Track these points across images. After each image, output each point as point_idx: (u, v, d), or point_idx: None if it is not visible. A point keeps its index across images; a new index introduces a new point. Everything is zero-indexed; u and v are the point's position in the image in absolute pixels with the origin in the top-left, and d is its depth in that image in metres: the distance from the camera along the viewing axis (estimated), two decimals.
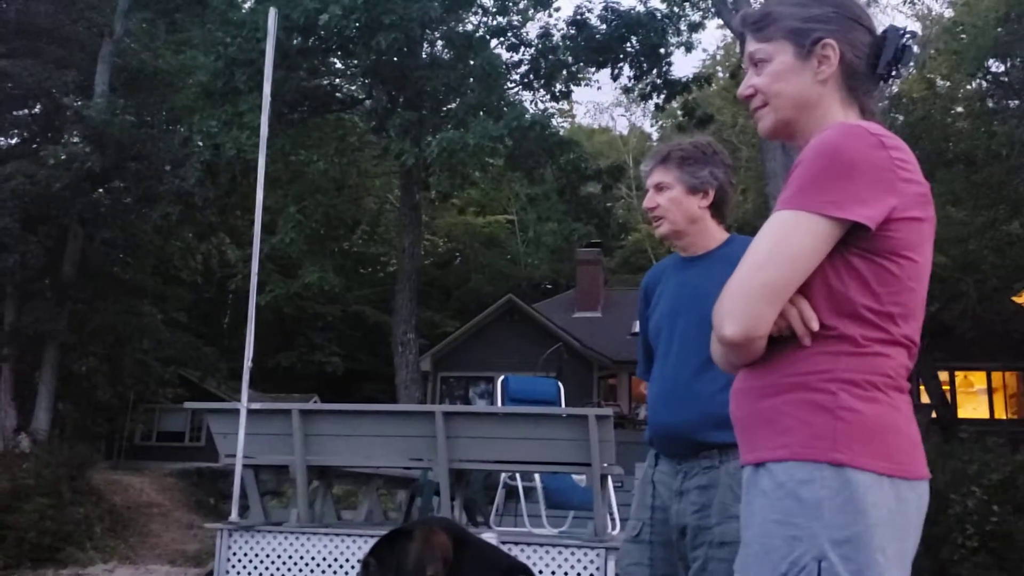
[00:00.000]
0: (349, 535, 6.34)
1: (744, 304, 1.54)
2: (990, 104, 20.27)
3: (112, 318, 21.93)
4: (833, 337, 1.55)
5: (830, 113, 1.66)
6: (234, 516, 6.38)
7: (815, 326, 1.55)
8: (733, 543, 2.42)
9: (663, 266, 2.97)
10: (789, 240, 1.52)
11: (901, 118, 19.05)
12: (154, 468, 22.11)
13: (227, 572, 6.29)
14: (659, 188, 2.76)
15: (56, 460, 18.83)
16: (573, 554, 5.72)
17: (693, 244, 2.77)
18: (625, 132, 42.59)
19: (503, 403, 7.58)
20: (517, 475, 7.27)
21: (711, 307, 2.64)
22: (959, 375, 23.31)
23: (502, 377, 7.64)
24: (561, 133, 23.43)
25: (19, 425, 20.80)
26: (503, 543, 5.18)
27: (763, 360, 1.60)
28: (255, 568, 6.27)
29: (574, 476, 7.05)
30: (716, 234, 2.78)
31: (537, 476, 7.07)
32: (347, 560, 5.93)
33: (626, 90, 23.29)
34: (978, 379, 23.57)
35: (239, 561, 6.26)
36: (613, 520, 6.36)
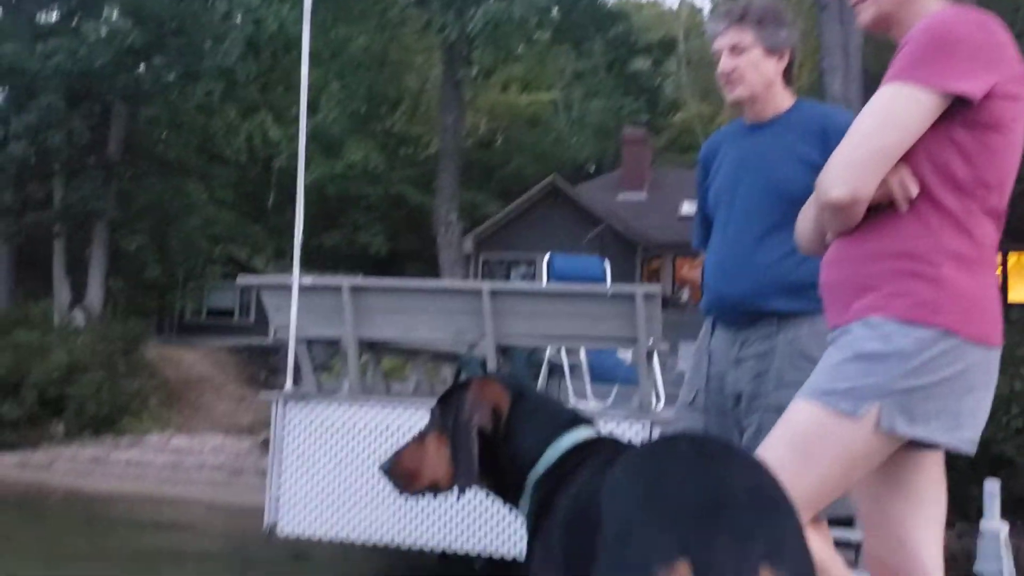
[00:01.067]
0: (398, 405, 6.50)
1: (851, 169, 1.63)
2: None
3: (158, 196, 22.19)
4: (933, 208, 1.64)
5: (928, 5, 1.75)
6: (289, 386, 6.55)
7: (914, 193, 1.64)
8: None
9: (724, 133, 2.87)
10: (896, 110, 1.63)
11: None
12: (204, 344, 22.72)
13: (282, 439, 6.51)
14: (735, 50, 2.58)
15: (110, 335, 19.48)
16: (618, 425, 5.81)
17: (764, 110, 2.64)
18: (675, 6, 41.18)
19: (548, 282, 7.59)
20: (562, 352, 7.35)
21: (777, 173, 2.58)
22: (1012, 256, 22.77)
23: (548, 255, 7.61)
24: (610, 5, 22.64)
25: (73, 301, 21.42)
26: None
27: (862, 229, 1.69)
28: (309, 435, 6.47)
29: (619, 353, 7.12)
30: (785, 99, 2.66)
31: (582, 353, 7.14)
32: (398, 428, 6.09)
33: None
34: None
35: (294, 429, 6.47)
36: (658, 395, 6.44)
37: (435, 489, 1.60)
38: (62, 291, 21.48)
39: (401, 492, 1.63)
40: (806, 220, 1.88)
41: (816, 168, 1.78)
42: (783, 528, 1.15)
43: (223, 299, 26.52)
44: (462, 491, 1.57)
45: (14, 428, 16.96)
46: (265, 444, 12.06)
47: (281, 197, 24.79)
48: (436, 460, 1.58)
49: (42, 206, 21.35)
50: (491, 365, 6.30)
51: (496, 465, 1.55)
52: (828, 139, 2.35)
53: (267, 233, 26.40)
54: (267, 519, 6.52)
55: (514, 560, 6.11)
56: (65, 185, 20.97)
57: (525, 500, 1.52)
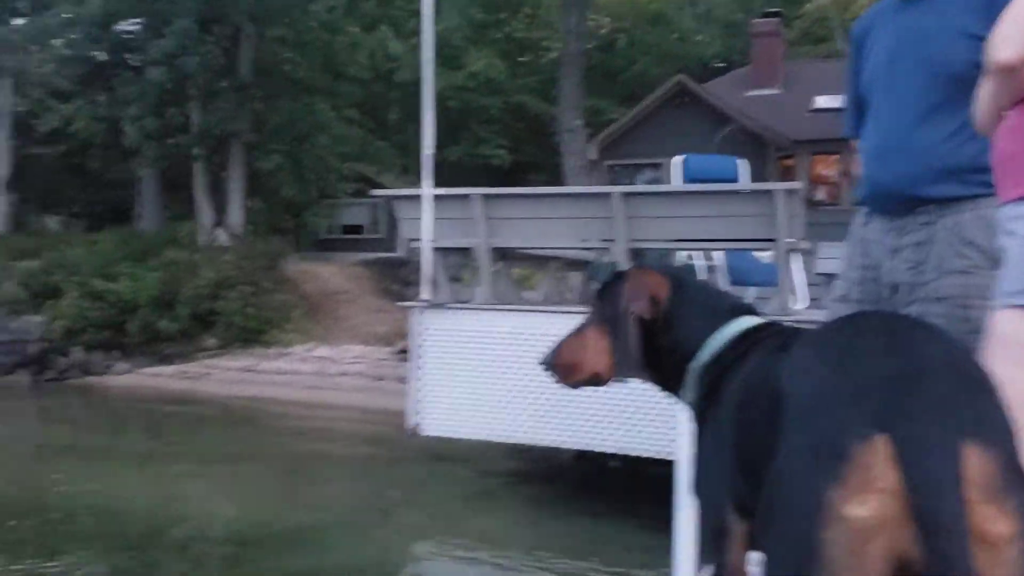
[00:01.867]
0: (531, 311, 6.57)
1: (1020, 28, 1.54)
2: None
3: (290, 116, 22.76)
4: None
5: None
6: (424, 295, 6.71)
7: None
8: (949, 298, 2.31)
9: (877, 10, 2.68)
10: None
11: None
12: (339, 259, 23.49)
13: (421, 346, 6.71)
14: None
15: (253, 252, 20.38)
16: None
17: None
18: None
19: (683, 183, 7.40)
20: (697, 254, 7.22)
21: (937, 50, 2.40)
22: None
23: (681, 157, 7.41)
24: None
25: (215, 222, 22.44)
26: None
27: None
28: (445, 342, 6.65)
29: (755, 253, 6.94)
30: None
31: (718, 254, 7.00)
32: (531, 334, 6.17)
33: None
34: None
35: (431, 335, 6.65)
36: (799, 296, 6.27)
37: (596, 380, 1.59)
38: (204, 212, 22.52)
39: (562, 384, 1.63)
40: (982, 94, 1.76)
41: (981, 41, 1.67)
42: (987, 403, 1.06)
43: (355, 215, 27.23)
44: (622, 381, 1.56)
45: (171, 342, 18.14)
46: (402, 352, 12.50)
47: (404, 112, 24.99)
48: (596, 351, 1.56)
49: (182, 130, 22.25)
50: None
51: (657, 355, 1.52)
52: (994, 8, 2.17)
53: (392, 150, 26.76)
54: (409, 422, 6.79)
55: (648, 459, 6.18)
56: (202, 109, 21.74)
57: (689, 388, 1.49)
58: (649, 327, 1.50)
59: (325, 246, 25.87)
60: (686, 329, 1.50)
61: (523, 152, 28.71)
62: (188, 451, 11.31)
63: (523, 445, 6.63)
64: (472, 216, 6.71)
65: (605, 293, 1.57)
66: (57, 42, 24.13)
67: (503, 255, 7.17)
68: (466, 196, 6.88)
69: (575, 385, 1.61)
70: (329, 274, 21.83)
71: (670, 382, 1.54)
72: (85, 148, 25.49)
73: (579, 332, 1.60)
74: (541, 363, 1.61)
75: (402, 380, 9.46)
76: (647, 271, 1.56)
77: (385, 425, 11.08)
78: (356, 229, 27.47)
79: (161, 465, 10.42)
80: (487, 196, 6.79)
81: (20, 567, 6.36)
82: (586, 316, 1.62)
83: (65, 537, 7.35)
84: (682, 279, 1.56)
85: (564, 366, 1.60)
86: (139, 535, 7.49)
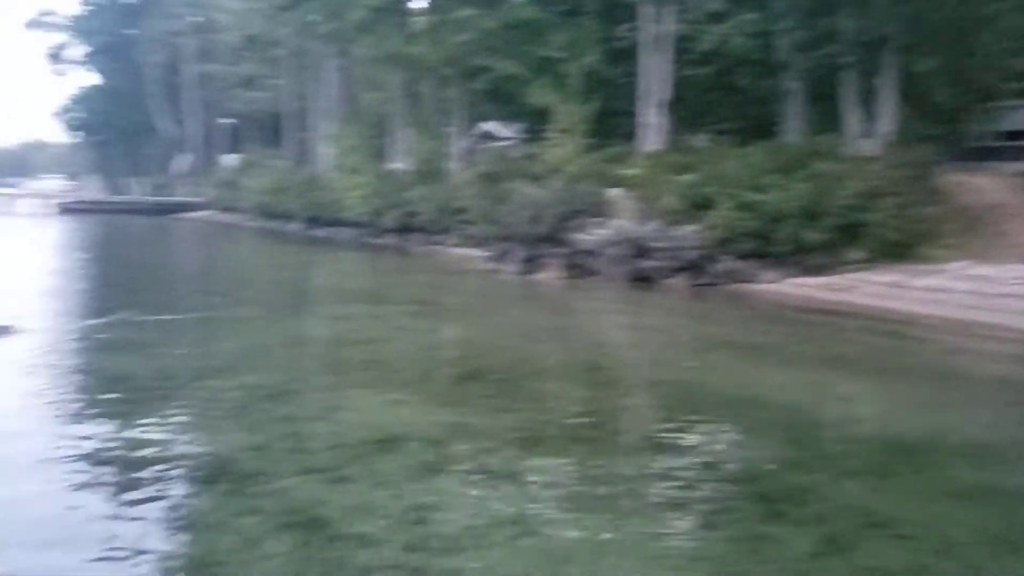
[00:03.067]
0: None
1: None
2: None
3: (951, 13, 20.79)
4: None
5: None
6: None
7: None
8: None
9: None
10: None
11: None
12: (999, 169, 21.06)
13: None
14: None
15: (901, 162, 19.31)
16: None
17: None
18: None
19: None
20: None
21: None
22: None
23: None
24: None
25: (862, 131, 21.72)
26: None
27: None
28: None
29: None
30: None
31: None
32: None
33: None
34: None
35: None
36: None
37: None
38: (850, 122, 21.96)
39: None
40: None
41: None
42: None
43: (1019, 120, 24.06)
44: None
45: (817, 252, 18.25)
46: None
47: None
48: None
49: (831, 40, 21.84)
50: None
51: None
52: None
53: None
54: None
55: None
56: (855, 15, 21.02)
57: None
58: None
59: (983, 155, 23.39)
60: None
61: None
62: (834, 357, 11.31)
63: None
64: None
65: None
66: None
67: None
68: None
69: None
70: (987, 185, 19.73)
71: None
72: (735, 66, 26.65)
73: None
74: None
75: None
76: None
77: None
78: (1020, 135, 24.26)
79: (808, 369, 10.60)
80: None
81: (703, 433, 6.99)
82: None
83: (719, 420, 7.90)
84: None
85: None
86: (797, 427, 7.72)
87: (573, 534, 5.15)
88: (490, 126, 31.46)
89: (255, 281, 21.60)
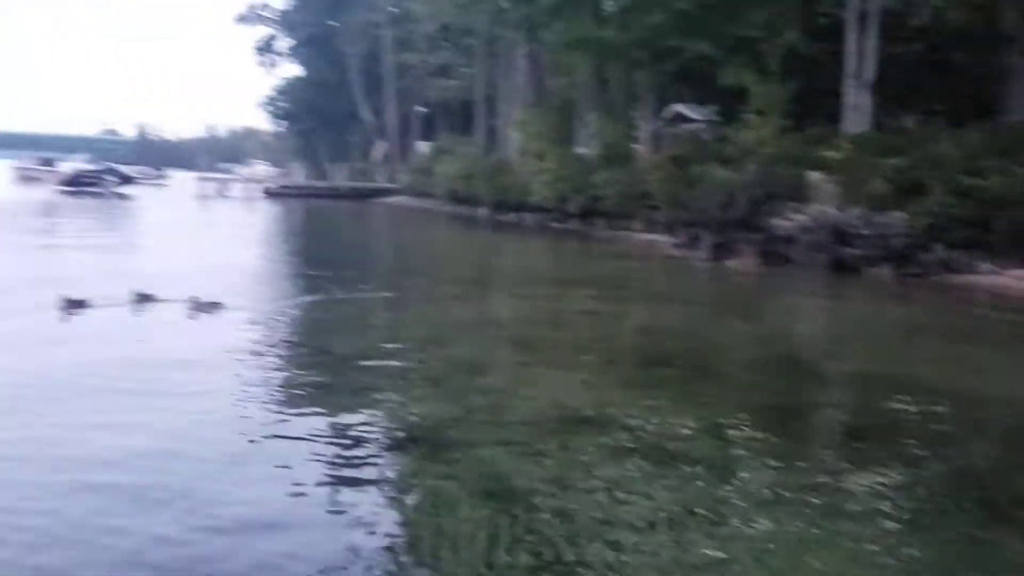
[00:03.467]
0: None
1: None
2: None
3: None
4: None
5: None
6: None
7: None
8: None
9: None
10: None
11: None
12: None
13: None
14: None
15: None
16: None
17: None
18: None
19: None
20: None
21: None
22: None
23: None
24: None
25: None
26: None
27: None
28: None
29: None
30: None
31: None
32: None
33: None
34: None
35: None
36: None
37: None
38: None
39: None
40: None
41: None
42: None
43: None
44: None
45: None
46: None
47: None
48: None
49: None
50: None
51: None
52: None
53: None
54: None
55: None
56: None
57: None
58: None
59: None
60: None
61: None
62: None
63: None
64: None
65: None
66: None
67: None
68: None
69: None
70: None
71: None
72: (949, 42, 24.76)
73: None
74: None
75: None
76: None
77: None
78: None
79: None
80: None
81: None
82: None
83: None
84: None
85: None
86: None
87: (771, 527, 4.89)
88: (679, 108, 30.81)
89: (447, 263, 22.21)
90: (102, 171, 53.59)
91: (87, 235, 24.79)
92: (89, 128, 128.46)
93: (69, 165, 55.30)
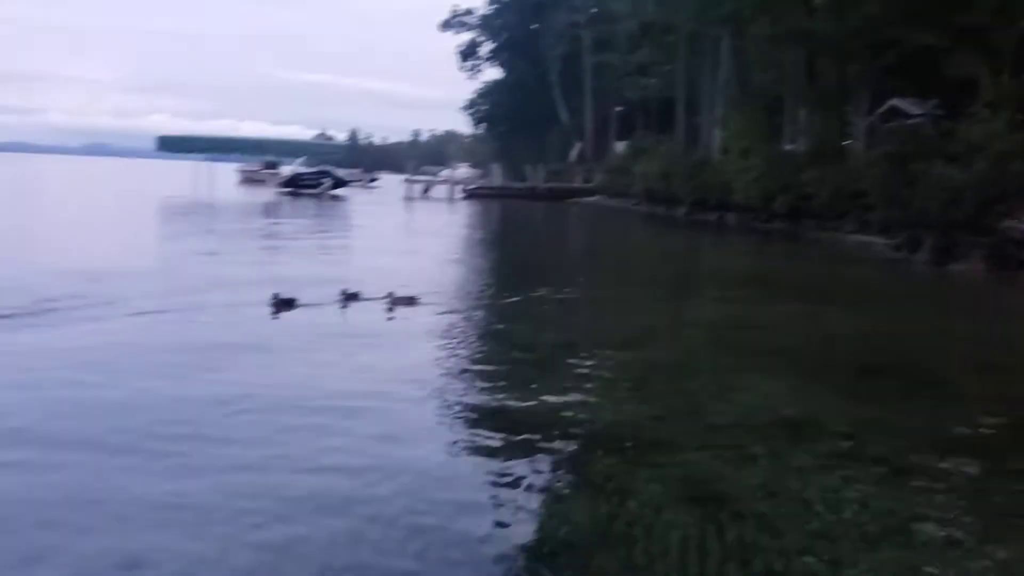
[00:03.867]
0: None
1: None
2: None
3: None
4: None
5: None
6: None
7: None
8: None
9: None
10: None
11: None
12: None
13: None
14: None
15: None
16: None
17: None
18: None
19: None
20: None
21: None
22: None
23: None
24: None
25: None
26: None
27: None
28: None
29: None
30: None
31: None
32: None
33: None
34: None
35: None
36: None
37: None
38: None
39: None
40: None
41: None
42: None
43: None
44: None
45: None
46: None
47: None
48: None
49: None
50: None
51: None
52: None
53: None
54: None
55: None
56: None
57: None
58: None
59: None
60: None
61: None
62: None
63: None
64: None
65: None
66: None
67: None
68: None
69: None
70: None
71: None
72: None
73: None
74: None
75: None
76: None
77: None
78: None
79: None
80: None
81: None
82: None
83: None
84: None
85: None
86: None
87: (1016, 551, 4.44)
88: (897, 102, 28.94)
89: (645, 263, 21.96)
90: (318, 173, 56.65)
91: (302, 237, 26.08)
92: (306, 133, 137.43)
93: (288, 168, 58.73)
